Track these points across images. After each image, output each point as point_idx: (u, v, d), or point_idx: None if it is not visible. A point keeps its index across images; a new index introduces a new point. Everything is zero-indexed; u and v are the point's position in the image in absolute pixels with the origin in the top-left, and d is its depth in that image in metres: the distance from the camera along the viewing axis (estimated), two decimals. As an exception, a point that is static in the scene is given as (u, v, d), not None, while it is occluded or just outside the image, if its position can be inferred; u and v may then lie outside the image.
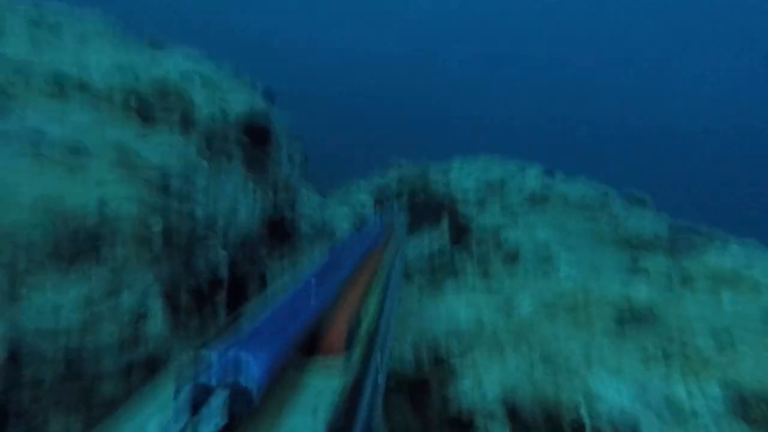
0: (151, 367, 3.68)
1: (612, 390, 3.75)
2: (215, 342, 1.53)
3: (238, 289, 6.60)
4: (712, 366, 3.71)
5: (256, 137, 8.90)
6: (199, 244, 5.70)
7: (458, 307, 5.56)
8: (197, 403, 1.31)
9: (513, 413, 4.09)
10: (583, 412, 3.60)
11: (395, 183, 14.46)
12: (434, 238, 12.53)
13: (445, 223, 12.85)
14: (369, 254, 3.84)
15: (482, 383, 4.33)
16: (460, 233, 11.71)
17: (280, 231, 9.10)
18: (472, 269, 10.05)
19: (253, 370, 1.39)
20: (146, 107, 7.08)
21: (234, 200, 7.81)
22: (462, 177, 13.08)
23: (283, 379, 1.76)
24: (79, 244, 3.92)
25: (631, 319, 4.51)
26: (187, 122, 7.56)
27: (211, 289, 6.01)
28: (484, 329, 5.00)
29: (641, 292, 4.93)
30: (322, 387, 1.79)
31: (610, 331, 4.46)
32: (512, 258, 9.13)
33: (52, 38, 7.42)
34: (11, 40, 6.71)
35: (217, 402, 1.30)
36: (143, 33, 10.93)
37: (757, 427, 3.35)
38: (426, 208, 13.39)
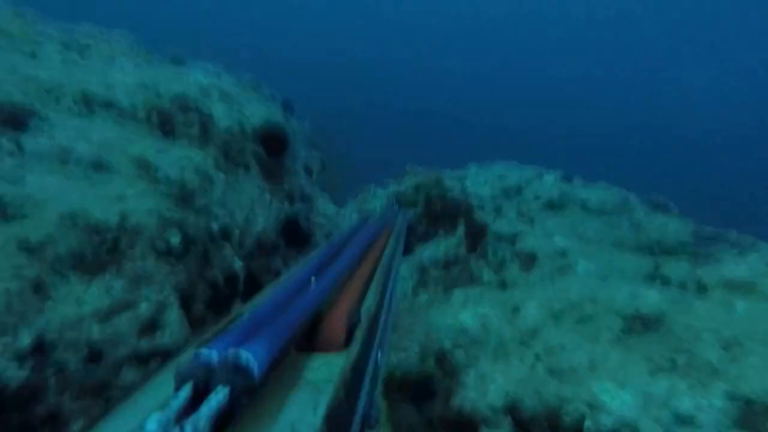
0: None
1: (616, 400, 3.72)
2: (213, 340, 1.53)
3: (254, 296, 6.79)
4: (720, 376, 3.63)
5: (272, 148, 9.15)
6: (215, 255, 5.90)
7: (465, 315, 5.60)
8: (196, 399, 1.31)
9: (516, 420, 4.10)
10: (587, 422, 3.59)
11: (411, 190, 14.50)
12: (450, 245, 12.51)
13: (461, 230, 12.80)
14: (369, 248, 3.77)
15: (486, 390, 4.36)
16: (476, 240, 11.66)
17: (295, 239, 9.30)
18: (488, 276, 10.01)
19: (252, 368, 1.39)
20: (167, 122, 7.39)
21: (250, 210, 8.03)
22: (478, 184, 13.02)
23: (281, 376, 1.73)
24: (101, 257, 4.16)
25: (639, 327, 4.44)
26: (205, 135, 7.84)
27: (228, 298, 6.21)
28: (490, 336, 5.02)
29: (650, 299, 4.84)
30: (322, 383, 1.74)
31: (616, 339, 4.41)
32: (529, 265, 9.05)
33: (81, 60, 7.82)
34: (44, 63, 7.11)
35: (217, 399, 1.30)
36: (166, 49, 11.43)
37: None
38: (442, 215, 13.38)
